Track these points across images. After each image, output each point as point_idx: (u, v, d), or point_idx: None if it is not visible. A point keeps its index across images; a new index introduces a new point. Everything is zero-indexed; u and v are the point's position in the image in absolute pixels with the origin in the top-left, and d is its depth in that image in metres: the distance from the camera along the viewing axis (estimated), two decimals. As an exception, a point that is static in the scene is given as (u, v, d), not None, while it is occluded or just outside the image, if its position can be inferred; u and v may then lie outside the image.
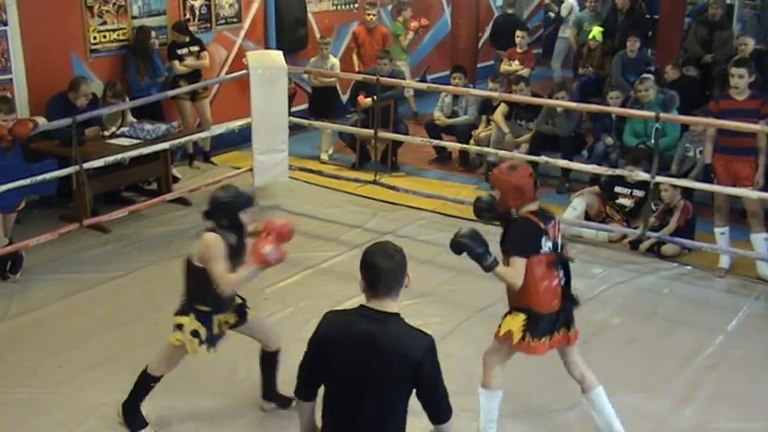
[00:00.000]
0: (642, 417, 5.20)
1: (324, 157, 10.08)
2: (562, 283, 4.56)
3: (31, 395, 5.34)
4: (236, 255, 4.74)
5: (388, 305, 3.31)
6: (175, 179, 9.02)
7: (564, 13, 13.84)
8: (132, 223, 8.01)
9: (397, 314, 3.32)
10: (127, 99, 8.47)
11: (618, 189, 8.01)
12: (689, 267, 7.34)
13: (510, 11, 13.13)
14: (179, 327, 4.83)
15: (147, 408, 5.04)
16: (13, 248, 6.88)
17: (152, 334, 6.04)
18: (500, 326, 4.67)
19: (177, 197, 8.50)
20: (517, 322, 4.57)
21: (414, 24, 11.83)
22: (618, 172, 7.80)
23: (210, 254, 4.64)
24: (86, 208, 7.65)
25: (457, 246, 4.43)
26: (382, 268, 3.29)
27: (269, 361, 5.13)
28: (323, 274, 7.18)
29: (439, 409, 3.37)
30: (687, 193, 7.88)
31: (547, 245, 4.48)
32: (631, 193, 7.95)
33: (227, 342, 5.05)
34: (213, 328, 4.85)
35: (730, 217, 7.34)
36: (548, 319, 4.56)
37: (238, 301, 5.02)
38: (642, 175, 7.54)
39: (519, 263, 4.43)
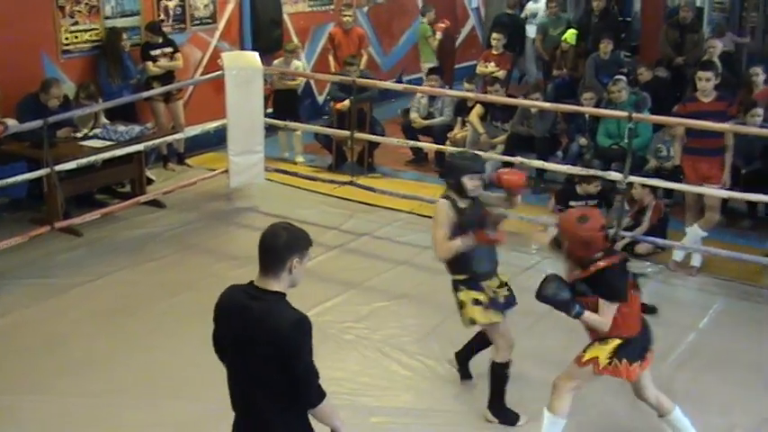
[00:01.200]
0: (615, 414, 5.21)
1: (299, 159, 10.04)
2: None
3: (5, 401, 5.25)
4: (469, 221, 4.89)
5: (270, 283, 3.32)
6: (150, 181, 8.96)
7: (525, 14, 13.86)
8: (105, 226, 7.93)
9: (278, 292, 3.31)
10: (100, 100, 8.40)
11: (572, 203, 8.04)
12: (661, 266, 7.38)
13: (510, 11, 13.18)
14: (462, 306, 4.99)
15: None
16: (-17, 252, 6.80)
17: (125, 339, 6.01)
18: (584, 351, 4.62)
19: (151, 199, 8.44)
20: (607, 350, 4.52)
21: (440, 25, 11.92)
22: (592, 172, 7.83)
23: (434, 219, 4.97)
24: (58, 211, 7.56)
25: (543, 299, 4.45)
26: (265, 247, 3.33)
27: (480, 349, 5.39)
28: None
29: (304, 391, 3.28)
30: (666, 192, 7.96)
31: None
32: (585, 204, 7.98)
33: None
34: (487, 292, 4.96)
35: (700, 216, 7.40)
36: (639, 343, 4.56)
37: (506, 279, 5.16)
38: (615, 175, 7.58)
39: (611, 309, 4.40)
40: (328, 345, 5.90)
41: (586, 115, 9.02)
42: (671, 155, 8.40)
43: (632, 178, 7.43)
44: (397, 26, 13.27)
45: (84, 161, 7.60)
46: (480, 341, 5.35)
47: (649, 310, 5.40)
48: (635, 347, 4.54)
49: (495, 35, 11.36)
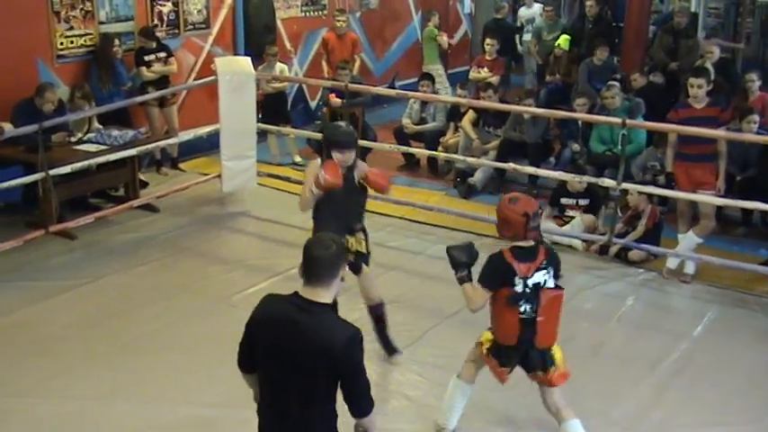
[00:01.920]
0: (610, 423, 5.23)
1: (298, 159, 10.05)
2: (523, 321, 4.53)
3: (-2, 403, 5.28)
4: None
5: (319, 294, 3.31)
6: (144, 184, 8.97)
7: (520, 21, 13.90)
8: (99, 230, 7.94)
9: (327, 304, 3.33)
10: (94, 104, 8.41)
11: (563, 201, 8.10)
12: (655, 273, 7.40)
13: (499, 15, 13.25)
14: None
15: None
16: (-23, 256, 6.80)
17: (119, 342, 6.01)
18: (482, 333, 4.81)
19: (145, 203, 8.45)
20: (486, 338, 4.74)
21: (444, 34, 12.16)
22: (585, 179, 7.88)
23: (306, 174, 5.45)
24: (52, 214, 7.56)
25: (449, 255, 4.64)
26: (315, 257, 3.33)
27: (375, 319, 5.73)
28: (291, 280, 7.04)
29: (359, 402, 3.35)
30: (660, 200, 8.02)
31: (518, 282, 4.49)
32: (577, 203, 8.05)
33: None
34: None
35: (693, 223, 7.43)
36: (507, 353, 4.64)
37: (361, 248, 5.57)
38: (608, 182, 7.63)
39: (479, 290, 4.53)
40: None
41: (579, 121, 9.06)
42: (666, 166, 8.42)
43: (625, 185, 7.47)
44: (390, 31, 13.31)
45: (78, 165, 7.61)
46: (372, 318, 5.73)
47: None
48: (507, 355, 4.64)
49: (488, 41, 11.39)
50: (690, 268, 7.33)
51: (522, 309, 4.50)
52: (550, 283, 4.57)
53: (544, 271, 4.55)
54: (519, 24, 13.84)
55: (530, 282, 4.49)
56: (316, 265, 3.32)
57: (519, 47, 13.51)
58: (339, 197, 5.29)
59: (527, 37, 13.35)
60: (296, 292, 3.35)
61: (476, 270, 4.61)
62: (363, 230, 5.62)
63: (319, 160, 5.44)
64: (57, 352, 5.88)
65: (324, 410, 3.35)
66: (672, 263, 7.39)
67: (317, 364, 3.24)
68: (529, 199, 4.66)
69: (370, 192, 5.64)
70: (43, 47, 8.54)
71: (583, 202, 8.05)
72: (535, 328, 4.53)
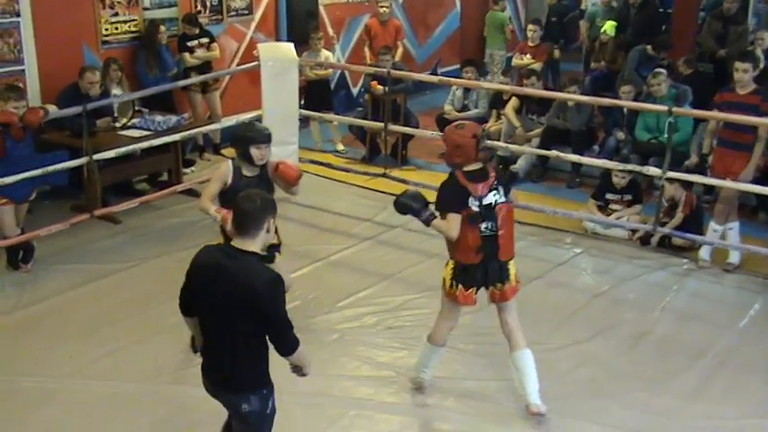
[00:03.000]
0: (652, 412, 5.19)
1: (340, 147, 10.07)
2: (485, 238, 4.78)
3: (41, 384, 5.36)
4: (249, 186, 5.02)
5: (246, 244, 3.65)
6: (190, 162, 9.10)
7: (585, 6, 13.78)
8: (143, 214, 8.03)
9: (253, 252, 3.64)
10: (126, 85, 8.52)
11: (609, 196, 8.02)
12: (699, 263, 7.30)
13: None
14: None
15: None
16: (24, 238, 6.92)
17: (161, 324, 6.08)
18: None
19: (187, 188, 8.51)
20: (448, 270, 4.94)
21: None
22: (629, 167, 7.78)
23: (213, 172, 5.36)
24: (97, 199, 7.68)
25: (398, 206, 4.93)
26: (242, 210, 3.67)
27: None
28: (332, 266, 7.19)
29: (281, 341, 3.68)
30: (706, 189, 7.93)
31: (474, 202, 4.74)
32: (622, 198, 7.95)
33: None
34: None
35: (739, 212, 7.30)
36: (474, 271, 4.84)
37: (275, 241, 5.37)
38: (653, 171, 7.52)
39: (450, 217, 4.76)
40: (363, 333, 6.00)
41: (624, 109, 8.94)
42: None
43: (671, 174, 7.36)
44: (433, 18, 13.24)
45: (122, 150, 7.70)
46: None
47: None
48: (471, 275, 4.86)
49: (530, 26, 11.28)
50: (734, 258, 7.21)
51: (482, 227, 4.78)
52: (501, 199, 4.83)
53: (495, 191, 4.82)
54: (584, 8, 13.67)
55: (484, 201, 4.77)
56: (242, 218, 3.66)
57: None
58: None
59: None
60: (228, 242, 3.71)
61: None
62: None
63: (231, 165, 5.42)
64: (102, 334, 5.97)
65: (251, 348, 3.68)
66: (734, 258, 7.23)
67: (240, 305, 3.57)
68: (472, 123, 5.05)
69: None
70: (88, 33, 8.64)
71: (627, 197, 7.95)
72: (497, 243, 4.83)
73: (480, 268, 4.85)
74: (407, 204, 4.88)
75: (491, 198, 4.81)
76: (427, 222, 4.83)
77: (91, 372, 5.51)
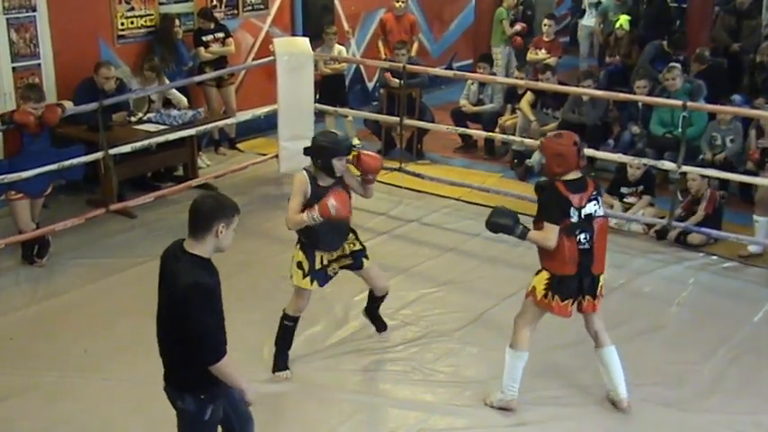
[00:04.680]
0: (666, 406, 5.18)
1: (356, 142, 10.07)
2: (581, 249, 4.73)
3: (57, 379, 5.40)
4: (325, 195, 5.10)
5: (191, 245, 3.62)
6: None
7: (584, 5, 13.63)
8: (158, 209, 8.05)
9: (196, 255, 3.60)
10: (165, 78, 8.53)
11: (623, 189, 7.99)
12: (714, 257, 7.26)
13: None
14: (292, 259, 5.35)
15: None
16: (40, 233, 6.95)
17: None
18: (530, 283, 4.91)
19: (203, 183, 8.54)
20: (541, 280, 4.84)
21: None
22: (644, 161, 7.75)
23: (293, 188, 5.21)
24: (113, 193, 7.70)
25: (489, 226, 4.88)
26: (192, 211, 3.64)
27: (375, 300, 5.81)
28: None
29: (199, 349, 3.57)
30: (721, 183, 7.87)
31: (574, 213, 4.68)
32: (636, 190, 7.92)
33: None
34: (315, 264, 5.28)
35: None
36: (568, 282, 4.77)
37: (356, 247, 5.46)
38: (668, 165, 7.49)
39: (548, 227, 4.70)
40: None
41: (639, 103, 8.90)
42: (726, 144, 8.28)
43: (686, 168, 7.32)
44: (448, 12, 13.20)
45: (138, 145, 7.73)
46: (372, 300, 5.82)
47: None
48: (567, 286, 4.78)
49: (546, 21, 11.24)
50: (755, 249, 7.22)
51: (579, 238, 4.71)
52: (600, 212, 4.79)
53: (594, 201, 4.76)
54: (582, 8, 13.56)
55: (583, 212, 4.71)
56: (191, 219, 3.63)
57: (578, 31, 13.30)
58: None
59: (586, 21, 13.09)
60: (182, 241, 3.66)
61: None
62: (352, 230, 5.53)
63: (306, 175, 5.22)
64: (118, 329, 6.00)
65: (182, 348, 3.61)
66: (753, 247, 7.23)
67: (166, 304, 3.63)
68: (569, 132, 4.93)
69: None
70: (105, 27, 8.67)
71: (640, 188, 7.93)
72: (592, 256, 4.77)
73: (576, 279, 4.79)
74: (498, 223, 4.83)
75: (590, 209, 4.75)
76: (523, 236, 4.79)
77: (106, 366, 5.54)
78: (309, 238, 5.26)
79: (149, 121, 8.25)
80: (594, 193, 4.79)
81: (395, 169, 8.78)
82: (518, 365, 4.98)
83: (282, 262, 6.76)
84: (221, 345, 3.61)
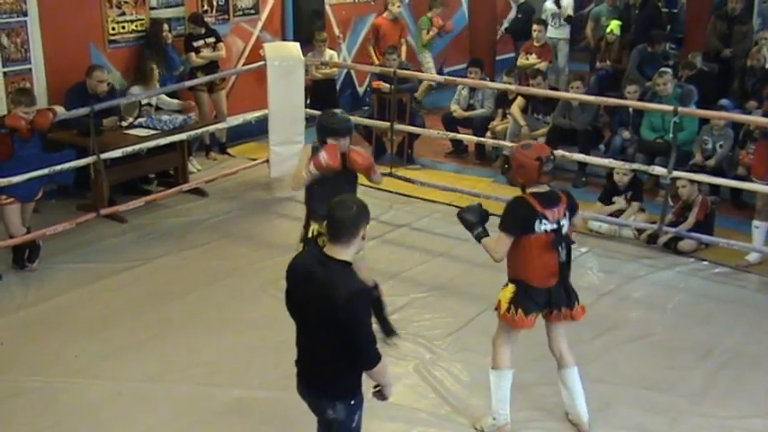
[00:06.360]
0: (657, 412, 5.18)
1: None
2: (561, 261, 4.72)
3: (46, 384, 5.38)
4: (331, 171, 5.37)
5: (337, 251, 3.61)
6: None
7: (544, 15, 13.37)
8: (149, 213, 8.04)
9: (344, 261, 3.60)
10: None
11: (615, 198, 8.02)
12: (705, 263, 7.28)
13: None
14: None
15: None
16: (30, 237, 6.93)
17: (167, 323, 6.10)
18: (497, 298, 4.87)
19: (194, 188, 8.54)
20: (506, 294, 4.78)
21: (438, 21, 11.82)
22: (634, 167, 7.78)
23: (299, 157, 5.56)
24: (103, 198, 7.70)
25: (459, 218, 4.89)
26: (337, 218, 3.62)
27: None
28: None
29: (362, 354, 3.65)
30: (712, 189, 7.89)
31: (543, 227, 4.64)
32: (625, 196, 7.95)
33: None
34: (309, 233, 5.57)
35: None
36: (539, 296, 4.74)
37: None
38: (659, 170, 7.51)
39: (501, 238, 4.67)
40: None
41: (630, 108, 8.93)
42: (716, 149, 8.31)
43: (676, 173, 7.35)
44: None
45: (129, 149, 7.72)
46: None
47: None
48: (535, 299, 4.73)
49: (536, 26, 11.26)
50: (753, 258, 7.22)
51: (560, 253, 4.68)
52: (567, 223, 4.76)
53: (566, 215, 4.74)
54: (543, 17, 13.21)
55: (561, 224, 4.69)
56: (336, 226, 3.60)
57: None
58: (333, 182, 5.35)
59: (558, 32, 12.88)
60: (322, 249, 3.65)
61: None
62: None
63: (311, 146, 5.53)
64: (107, 333, 5.98)
65: (337, 356, 3.63)
66: (753, 256, 7.22)
67: (324, 313, 3.54)
68: (541, 144, 4.93)
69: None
70: (95, 32, 8.66)
71: (629, 194, 7.96)
72: (569, 268, 4.78)
73: (545, 293, 4.75)
74: (464, 218, 4.85)
75: (564, 222, 4.72)
76: (478, 239, 4.77)
77: (96, 371, 5.52)
78: (308, 206, 5.57)
79: (140, 125, 8.24)
80: (567, 207, 4.74)
81: (385, 174, 8.74)
82: (504, 386, 4.89)
83: (272, 266, 6.78)
84: (377, 346, 3.69)
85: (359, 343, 3.59)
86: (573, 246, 4.85)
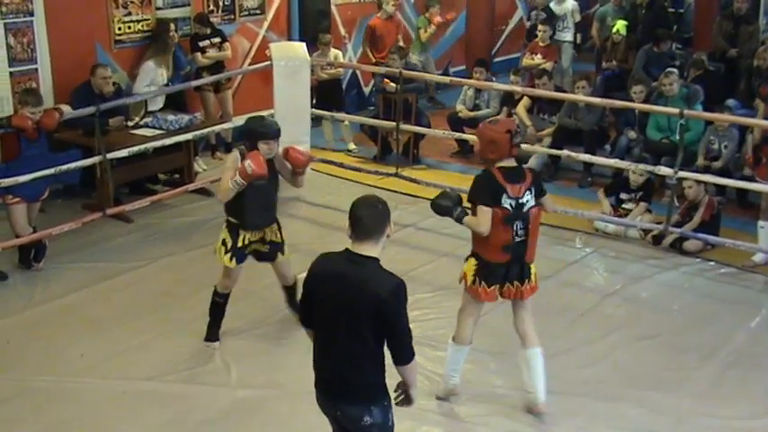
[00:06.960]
0: (662, 413, 5.18)
1: (352, 146, 10.08)
2: (517, 239, 4.78)
3: (52, 383, 5.39)
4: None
5: (367, 249, 3.61)
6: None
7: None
8: (155, 213, 8.06)
9: (375, 258, 3.62)
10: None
11: (623, 195, 8.01)
12: (711, 263, 7.27)
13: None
14: (219, 239, 5.61)
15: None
16: (36, 237, 6.95)
17: (172, 323, 6.11)
18: (461, 270, 4.97)
19: (199, 188, 8.54)
20: (470, 267, 4.92)
21: (437, 19, 11.79)
22: (641, 167, 7.77)
23: (223, 166, 5.49)
24: (109, 197, 7.71)
25: (433, 207, 5.01)
26: (362, 215, 3.61)
27: (288, 289, 5.95)
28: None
29: (400, 349, 3.63)
30: (718, 190, 7.87)
31: (507, 201, 4.72)
32: (635, 196, 7.94)
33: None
34: (238, 242, 5.51)
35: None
36: (497, 269, 4.83)
37: (275, 238, 5.67)
38: (664, 170, 7.50)
39: (481, 211, 4.75)
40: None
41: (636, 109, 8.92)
42: (722, 150, 8.29)
43: (682, 173, 7.34)
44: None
45: (134, 149, 7.73)
46: (288, 292, 5.97)
47: None
48: (495, 273, 4.85)
49: (541, 27, 11.26)
50: (760, 258, 7.22)
51: (515, 229, 4.77)
52: (532, 202, 4.81)
53: (529, 191, 4.79)
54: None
55: (520, 201, 4.75)
56: (364, 224, 3.60)
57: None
58: (262, 188, 5.40)
59: (563, 35, 12.83)
60: (347, 248, 3.61)
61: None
62: (276, 221, 5.73)
63: (237, 153, 5.44)
64: (113, 333, 5.99)
65: (373, 357, 3.62)
66: (759, 257, 7.21)
67: (365, 311, 3.52)
68: (506, 119, 4.99)
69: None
70: (102, 32, 8.67)
71: (640, 194, 7.94)
72: (526, 246, 4.84)
73: (503, 267, 4.86)
74: (439, 204, 4.95)
75: (526, 198, 4.79)
76: (459, 219, 4.87)
77: (102, 370, 5.53)
78: (236, 216, 5.49)
79: (146, 125, 8.25)
80: (531, 184, 4.82)
81: (391, 174, 8.78)
82: (459, 359, 5.11)
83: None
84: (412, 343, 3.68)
85: (399, 336, 3.58)
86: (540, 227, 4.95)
